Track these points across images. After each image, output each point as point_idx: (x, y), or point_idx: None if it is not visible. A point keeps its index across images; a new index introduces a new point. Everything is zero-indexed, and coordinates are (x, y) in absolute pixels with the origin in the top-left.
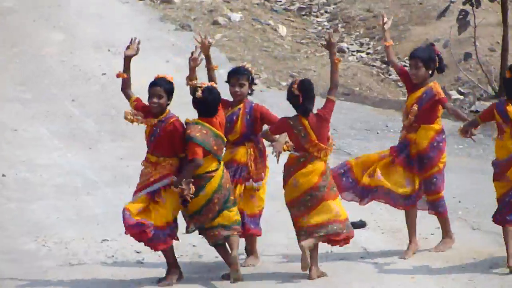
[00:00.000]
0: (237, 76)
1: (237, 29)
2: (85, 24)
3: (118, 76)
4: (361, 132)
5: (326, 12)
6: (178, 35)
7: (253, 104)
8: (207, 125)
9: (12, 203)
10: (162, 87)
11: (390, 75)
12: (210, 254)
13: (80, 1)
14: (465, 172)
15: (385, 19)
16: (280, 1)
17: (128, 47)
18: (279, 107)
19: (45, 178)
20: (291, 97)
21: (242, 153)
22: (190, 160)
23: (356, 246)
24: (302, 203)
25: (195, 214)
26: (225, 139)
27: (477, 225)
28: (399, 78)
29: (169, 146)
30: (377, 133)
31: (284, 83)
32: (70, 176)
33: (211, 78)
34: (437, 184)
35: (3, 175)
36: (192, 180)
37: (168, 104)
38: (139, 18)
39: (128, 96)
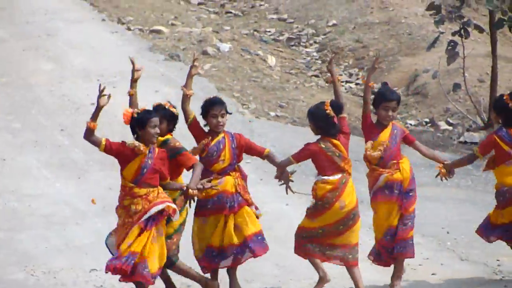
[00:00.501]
0: (220, 107)
1: (226, 59)
2: (74, 54)
3: (89, 126)
4: None
5: (315, 42)
6: (168, 65)
7: (233, 133)
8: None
9: (0, 232)
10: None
11: None
12: (198, 285)
13: (69, 31)
14: (454, 203)
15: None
16: (269, 32)
17: (101, 96)
18: (268, 137)
19: (34, 208)
20: (326, 120)
21: (231, 184)
22: (191, 166)
23: (345, 277)
24: (344, 222)
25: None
26: None
27: (466, 256)
28: None
29: (158, 174)
30: None
31: (273, 113)
32: (59, 205)
33: (132, 101)
34: (414, 219)
35: None
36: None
37: None
38: (128, 48)
39: (96, 142)
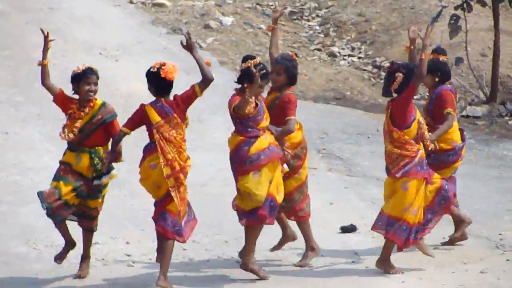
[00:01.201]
0: (267, 81)
1: (229, 32)
2: (77, 27)
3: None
4: (352, 136)
5: (317, 16)
6: (170, 38)
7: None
8: None
9: (3, 206)
10: None
11: (381, 79)
12: (201, 257)
13: (72, 4)
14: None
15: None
16: (272, 5)
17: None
18: None
19: (36, 181)
20: (296, 69)
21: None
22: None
23: (347, 250)
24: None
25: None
26: None
27: (468, 230)
28: None
29: None
30: (368, 137)
31: None
32: None
33: (45, 71)
34: None
35: None
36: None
37: None
38: (131, 21)
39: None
